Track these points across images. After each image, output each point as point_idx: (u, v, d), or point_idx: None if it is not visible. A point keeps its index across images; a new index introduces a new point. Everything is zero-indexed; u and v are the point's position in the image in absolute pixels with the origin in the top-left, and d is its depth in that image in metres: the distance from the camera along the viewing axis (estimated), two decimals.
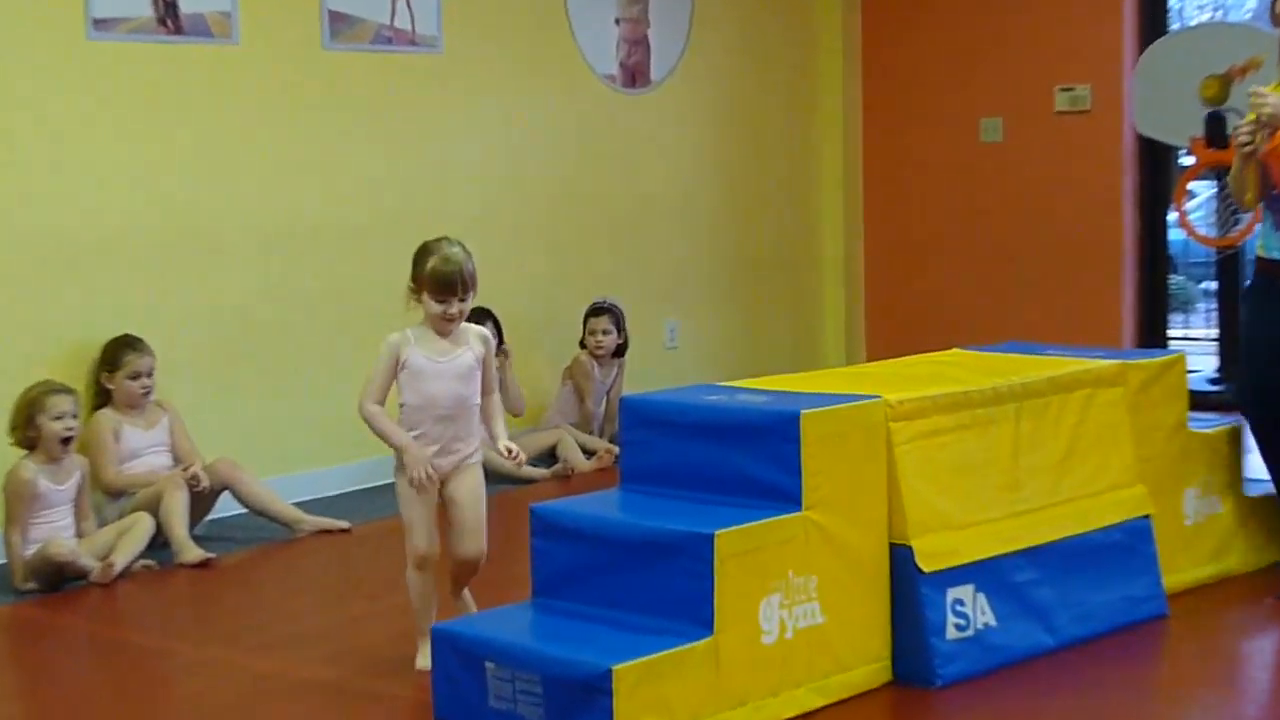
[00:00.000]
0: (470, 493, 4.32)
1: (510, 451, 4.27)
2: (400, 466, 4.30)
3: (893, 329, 9.12)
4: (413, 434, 4.26)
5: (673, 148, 8.41)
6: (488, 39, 7.47)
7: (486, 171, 7.50)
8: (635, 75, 8.21)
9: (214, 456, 6.11)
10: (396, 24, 7.07)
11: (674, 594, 3.82)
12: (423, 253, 4.29)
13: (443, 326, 4.27)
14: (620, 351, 7.66)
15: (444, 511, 4.35)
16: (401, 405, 4.30)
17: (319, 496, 6.69)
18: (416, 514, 4.29)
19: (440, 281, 4.23)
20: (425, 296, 4.26)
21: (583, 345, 7.63)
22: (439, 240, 4.33)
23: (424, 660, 4.23)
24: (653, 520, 3.97)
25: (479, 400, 4.32)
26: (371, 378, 4.28)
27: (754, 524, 3.88)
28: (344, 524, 6.18)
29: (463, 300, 4.26)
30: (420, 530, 4.29)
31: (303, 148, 6.78)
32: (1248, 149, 4.63)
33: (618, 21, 8.11)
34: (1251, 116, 4.64)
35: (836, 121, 9.16)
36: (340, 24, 6.87)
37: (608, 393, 7.64)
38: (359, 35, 6.94)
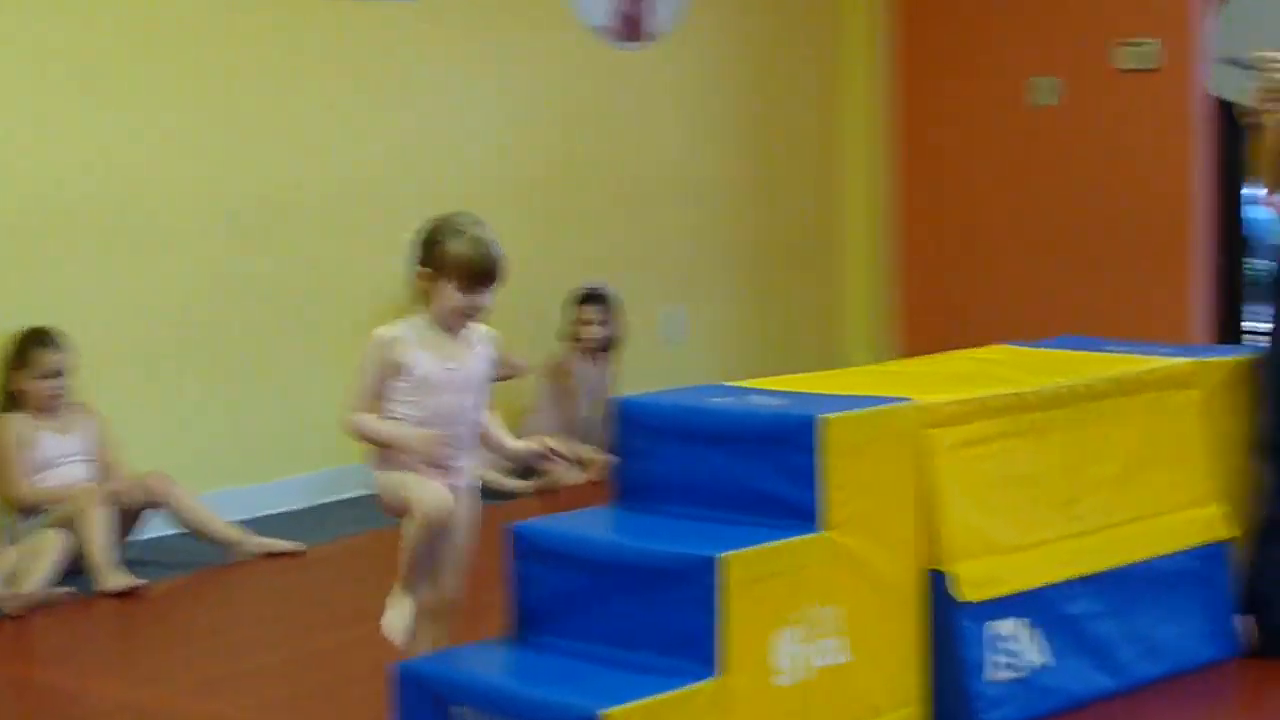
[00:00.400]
0: (466, 522, 4.20)
1: (546, 447, 4.19)
2: (386, 460, 4.08)
3: (929, 321, 9.11)
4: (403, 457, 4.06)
5: (676, 112, 8.39)
6: None
7: (462, 139, 7.49)
8: (633, 26, 8.18)
9: (146, 468, 6.08)
10: None
11: (674, 627, 3.80)
12: (442, 232, 4.07)
13: (458, 322, 4.07)
14: (612, 346, 7.64)
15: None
16: (389, 418, 4.06)
17: (267, 514, 6.68)
18: (424, 483, 4.02)
19: (473, 268, 4.01)
20: (445, 285, 4.02)
21: (567, 337, 7.60)
22: (458, 215, 4.15)
23: (395, 618, 4.05)
24: (650, 542, 3.95)
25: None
26: (360, 383, 4.05)
27: (767, 546, 3.85)
28: (295, 545, 6.15)
29: (492, 292, 4.08)
30: (431, 488, 4.02)
31: (253, 111, 6.76)
32: (1255, 121, 4.56)
33: None
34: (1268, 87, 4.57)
35: (865, 82, 9.14)
36: None
37: (599, 392, 7.61)
38: None
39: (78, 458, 6.01)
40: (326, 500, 6.87)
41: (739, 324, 8.71)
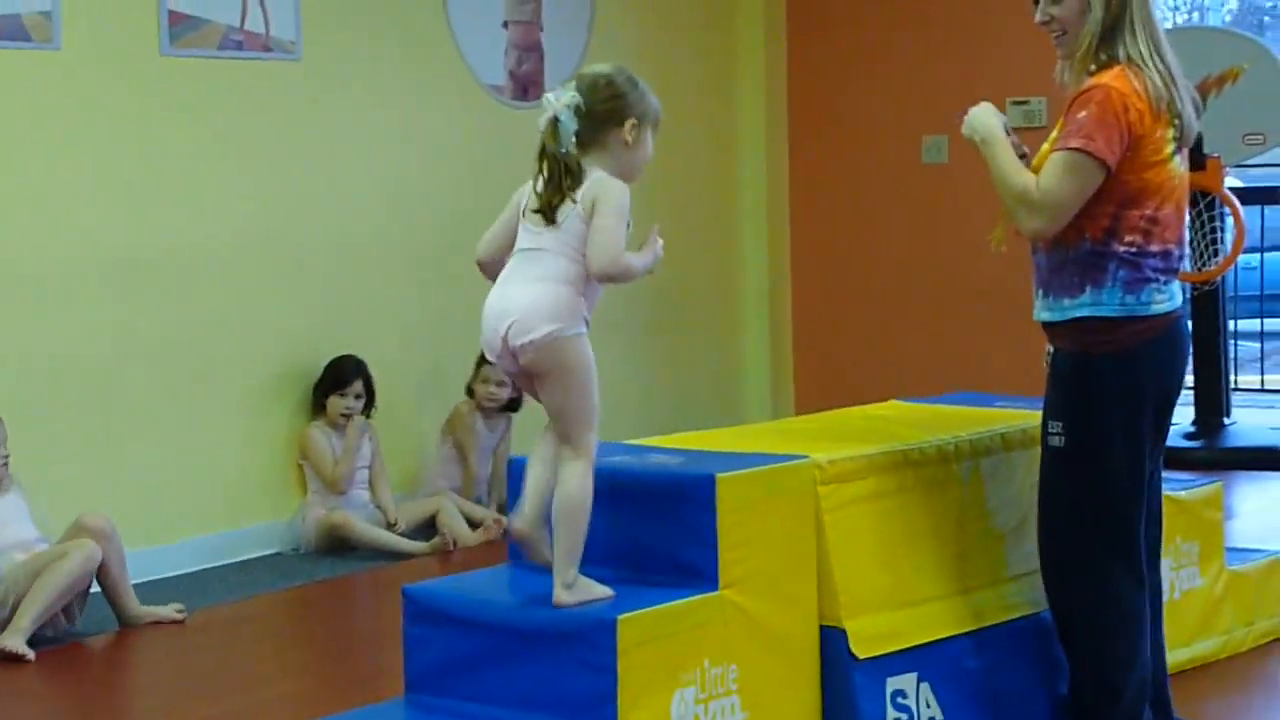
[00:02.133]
0: None
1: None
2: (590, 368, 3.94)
3: (824, 377, 9.16)
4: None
5: None
6: (354, 44, 7.46)
7: (354, 196, 7.46)
8: (527, 86, 8.21)
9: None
10: (248, 26, 7.03)
11: (571, 689, 3.79)
12: (634, 82, 3.97)
13: (640, 176, 4.05)
14: (513, 406, 7.64)
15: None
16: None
17: (163, 576, 6.57)
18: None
19: (661, 118, 4.02)
20: (648, 135, 3.99)
21: (469, 394, 7.59)
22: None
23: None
24: (545, 604, 3.92)
25: None
26: (620, 232, 3.92)
27: (663, 606, 3.85)
28: (177, 614, 6.03)
29: None
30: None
31: (138, 168, 6.71)
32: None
33: (506, 25, 8.12)
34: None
35: (758, 141, 9.21)
36: (181, 26, 6.82)
37: (495, 451, 7.61)
38: (204, 39, 6.89)
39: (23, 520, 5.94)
40: (221, 563, 6.80)
41: (637, 382, 8.72)
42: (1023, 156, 4.14)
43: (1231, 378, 9.10)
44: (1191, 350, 4.21)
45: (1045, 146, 4.15)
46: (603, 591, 3.89)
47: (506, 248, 4.03)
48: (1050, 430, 4.14)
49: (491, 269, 4.06)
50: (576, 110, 3.89)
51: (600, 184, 3.92)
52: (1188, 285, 8.56)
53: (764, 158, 9.22)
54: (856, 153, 9.09)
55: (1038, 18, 4.17)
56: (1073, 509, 4.13)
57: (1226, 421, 8.65)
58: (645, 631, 3.79)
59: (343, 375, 7.19)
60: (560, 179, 3.91)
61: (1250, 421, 8.91)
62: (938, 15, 8.88)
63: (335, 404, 7.16)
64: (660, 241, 4.06)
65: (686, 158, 8.92)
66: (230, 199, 7.02)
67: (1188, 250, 4.19)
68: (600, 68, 4.00)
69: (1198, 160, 8.23)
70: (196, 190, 6.91)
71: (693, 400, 8.93)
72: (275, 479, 7.15)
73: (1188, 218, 8.54)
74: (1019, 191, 4.05)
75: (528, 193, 4.02)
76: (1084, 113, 3.99)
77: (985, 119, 4.17)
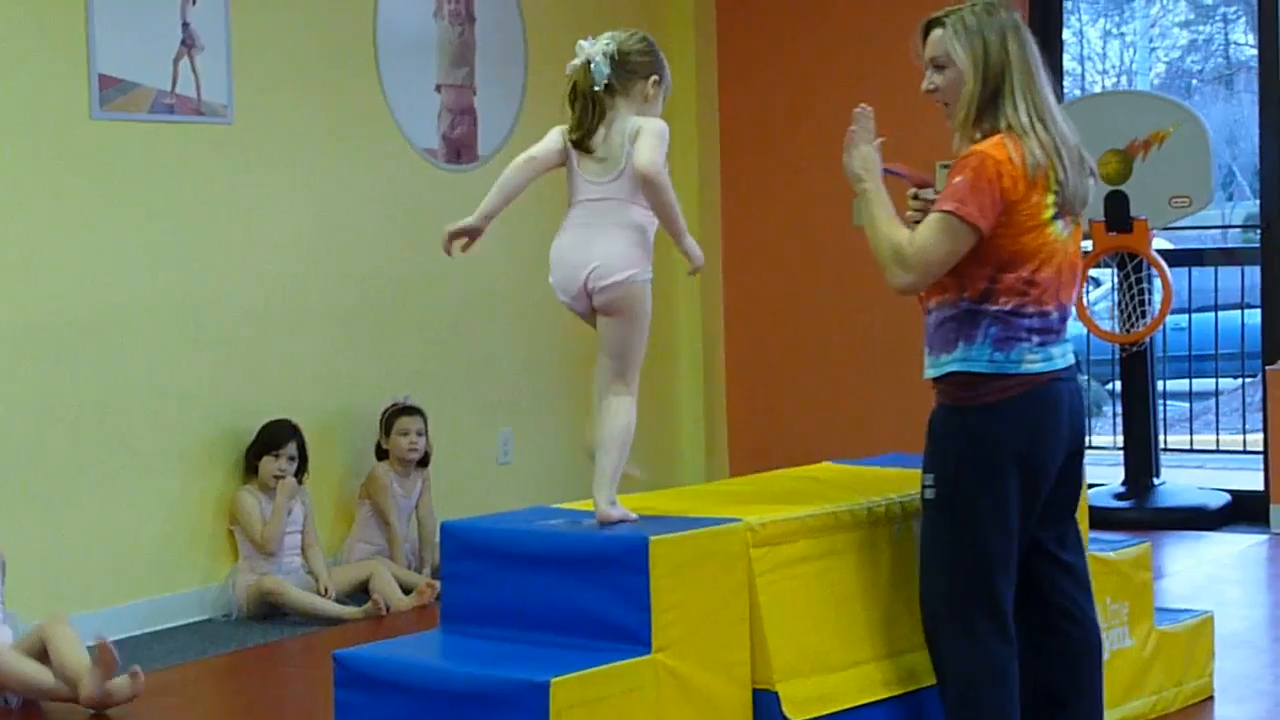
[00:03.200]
0: None
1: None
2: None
3: (759, 439, 9.18)
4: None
5: (504, 232, 8.35)
6: (287, 108, 7.46)
7: (286, 259, 7.45)
8: (460, 149, 8.23)
9: None
10: (179, 90, 7.03)
11: None
12: (659, 51, 4.38)
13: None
14: (425, 461, 7.63)
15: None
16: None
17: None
18: None
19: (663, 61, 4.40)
20: (660, 96, 4.35)
21: (380, 455, 7.57)
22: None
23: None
24: (477, 667, 3.94)
25: None
26: (662, 151, 4.29)
27: (596, 670, 3.85)
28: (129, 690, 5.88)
29: None
30: None
31: (67, 232, 6.68)
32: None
33: (439, 88, 8.15)
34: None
35: (691, 200, 9.24)
36: (112, 90, 6.81)
37: (416, 511, 7.58)
38: (134, 103, 6.89)
39: None
40: (150, 630, 6.74)
41: (568, 444, 8.71)
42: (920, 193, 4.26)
43: (1161, 438, 9.18)
44: (1074, 415, 4.22)
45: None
46: (634, 516, 4.23)
47: (522, 187, 4.44)
48: (925, 483, 4.22)
49: (510, 191, 4.44)
50: (611, 57, 4.25)
51: (641, 120, 4.27)
52: (1113, 346, 8.65)
53: (697, 217, 9.25)
54: (789, 214, 9.14)
55: (924, 86, 4.29)
56: (940, 562, 4.19)
57: (1156, 482, 8.72)
58: (577, 695, 3.79)
59: (276, 438, 7.16)
60: (590, 114, 4.27)
61: (1179, 482, 8.99)
62: (871, 77, 8.96)
63: (267, 466, 7.12)
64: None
65: None
66: (161, 262, 6.99)
67: (1071, 312, 4.23)
68: (632, 30, 4.37)
69: (1125, 223, 8.36)
70: (127, 253, 6.88)
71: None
72: (205, 544, 7.10)
73: (1115, 279, 8.69)
74: (893, 246, 4.19)
75: (572, 153, 4.34)
76: (960, 178, 4.09)
77: (869, 159, 4.32)
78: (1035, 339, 4.12)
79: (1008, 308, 4.09)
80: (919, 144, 8.67)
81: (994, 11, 4.18)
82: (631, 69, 4.28)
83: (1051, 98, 4.19)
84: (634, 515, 4.22)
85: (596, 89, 4.24)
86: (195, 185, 7.12)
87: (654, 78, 4.32)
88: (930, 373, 4.25)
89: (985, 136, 4.14)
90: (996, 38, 4.15)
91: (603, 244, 4.30)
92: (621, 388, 4.38)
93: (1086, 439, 4.39)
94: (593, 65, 4.24)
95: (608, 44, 4.27)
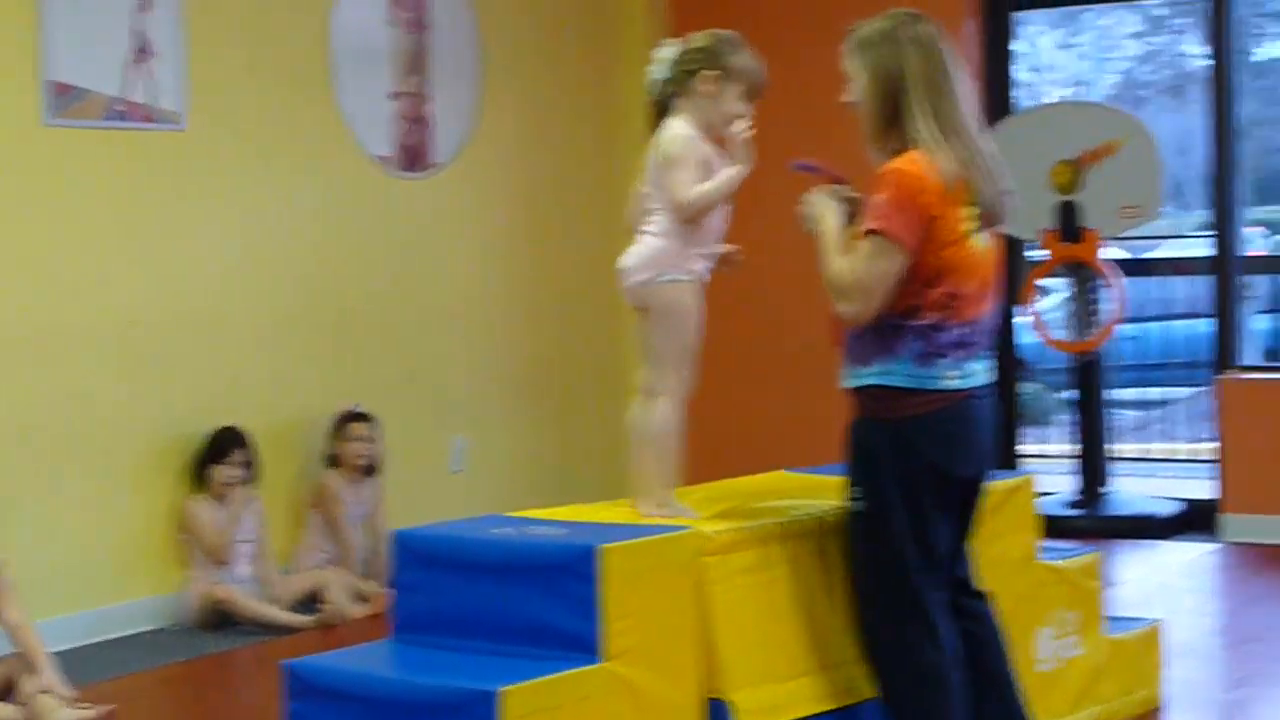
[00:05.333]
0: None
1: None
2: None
3: (713, 447, 9.16)
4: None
5: (459, 239, 8.42)
6: (240, 115, 7.44)
7: (238, 266, 7.43)
8: (415, 157, 8.22)
9: None
10: (132, 97, 7.00)
11: None
12: (730, 43, 4.38)
13: (723, 130, 4.39)
14: (374, 469, 7.61)
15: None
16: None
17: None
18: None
19: (758, 81, 4.39)
20: (731, 90, 4.36)
21: (330, 463, 7.54)
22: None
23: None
24: (427, 676, 3.92)
25: None
26: (686, 173, 4.37)
27: (546, 679, 3.85)
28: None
29: None
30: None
31: (15, 240, 6.64)
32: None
33: (393, 96, 8.13)
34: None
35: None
36: (64, 96, 6.78)
37: (368, 519, 7.55)
38: (87, 110, 6.85)
39: None
40: (100, 639, 6.71)
41: (521, 453, 8.71)
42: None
43: (1111, 446, 9.21)
44: (986, 434, 4.27)
45: None
46: (689, 515, 4.36)
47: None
48: (852, 495, 4.25)
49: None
50: (670, 64, 4.35)
51: (661, 133, 4.35)
52: (1065, 355, 8.68)
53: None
54: (739, 220, 9.12)
55: (844, 97, 4.29)
56: (866, 572, 4.24)
57: (1106, 490, 8.75)
58: (529, 704, 3.78)
59: (223, 445, 7.13)
60: (655, 120, 4.39)
61: (1130, 490, 9.02)
62: (824, 79, 8.97)
63: (218, 474, 7.09)
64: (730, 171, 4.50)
65: (572, 226, 8.96)
66: (110, 270, 6.96)
67: (991, 325, 4.25)
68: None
69: (1074, 233, 8.40)
70: (76, 262, 6.85)
71: (580, 473, 8.92)
72: (156, 553, 7.06)
73: (1070, 289, 8.71)
74: (834, 279, 4.21)
75: None
76: (881, 196, 4.09)
77: (825, 208, 4.35)
78: (957, 354, 4.13)
79: (930, 322, 4.11)
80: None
81: (903, 23, 4.16)
82: (686, 67, 4.34)
83: (966, 110, 4.16)
84: (684, 513, 4.36)
85: (652, 95, 4.36)
86: (147, 192, 7.09)
87: (712, 72, 4.32)
88: (848, 383, 4.27)
89: (897, 153, 4.14)
90: (892, 51, 4.13)
91: (633, 248, 4.49)
92: (656, 389, 4.55)
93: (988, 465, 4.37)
94: (652, 73, 4.35)
95: (671, 50, 4.37)
